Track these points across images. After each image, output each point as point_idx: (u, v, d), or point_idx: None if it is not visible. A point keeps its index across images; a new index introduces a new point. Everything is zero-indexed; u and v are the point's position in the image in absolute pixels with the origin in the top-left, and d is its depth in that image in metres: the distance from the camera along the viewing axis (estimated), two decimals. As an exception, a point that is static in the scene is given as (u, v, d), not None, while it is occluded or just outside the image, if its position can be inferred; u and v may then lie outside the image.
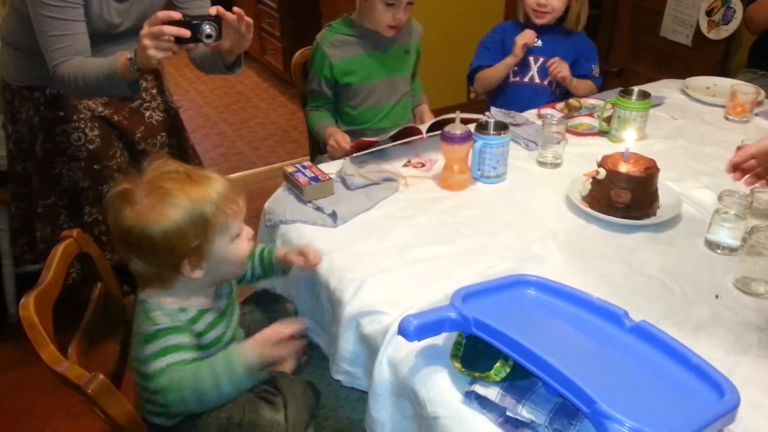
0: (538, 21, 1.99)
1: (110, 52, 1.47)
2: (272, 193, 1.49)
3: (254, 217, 1.48)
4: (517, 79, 2.06)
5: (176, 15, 1.29)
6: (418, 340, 0.93)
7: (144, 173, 0.99)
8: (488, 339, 0.88)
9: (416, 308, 1.04)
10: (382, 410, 1.02)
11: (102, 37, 1.54)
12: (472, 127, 1.44)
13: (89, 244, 1.12)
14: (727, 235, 1.20)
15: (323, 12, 3.49)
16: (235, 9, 1.33)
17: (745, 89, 1.80)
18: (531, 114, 1.83)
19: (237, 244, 1.04)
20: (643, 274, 1.16)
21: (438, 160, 1.54)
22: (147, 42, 1.29)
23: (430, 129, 1.56)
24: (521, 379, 0.87)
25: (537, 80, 2.04)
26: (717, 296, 1.10)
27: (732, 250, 1.21)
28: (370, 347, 1.09)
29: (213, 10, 1.33)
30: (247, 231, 1.07)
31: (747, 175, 1.19)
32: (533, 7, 1.98)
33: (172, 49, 1.31)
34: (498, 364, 0.87)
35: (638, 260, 1.19)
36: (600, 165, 1.31)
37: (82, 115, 1.65)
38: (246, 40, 1.44)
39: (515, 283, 1.04)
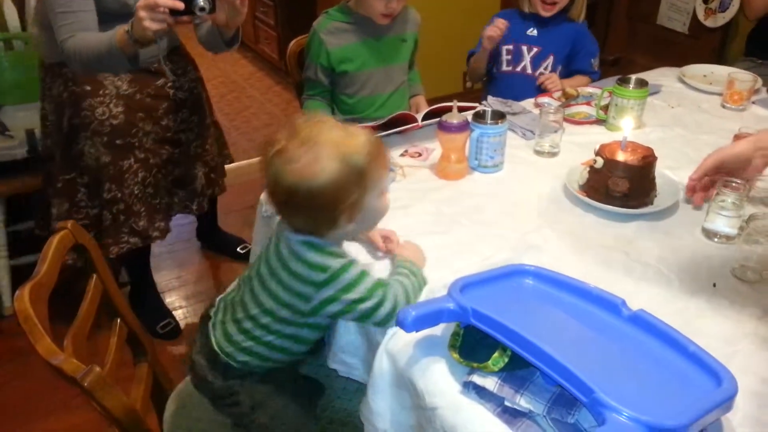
0: (546, 14, 1.97)
1: None
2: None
3: (250, 207, 1.48)
4: (510, 68, 2.05)
5: None
6: (417, 331, 0.93)
7: (296, 128, 0.98)
8: (486, 329, 0.87)
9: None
10: (381, 401, 1.01)
11: (114, 16, 1.58)
12: (468, 116, 1.43)
13: (84, 235, 1.11)
14: (724, 223, 1.20)
15: (318, 0, 3.46)
16: None
17: (742, 77, 1.79)
18: (528, 103, 1.83)
19: (383, 200, 1.05)
20: (641, 262, 1.16)
21: (435, 149, 1.53)
22: (142, 14, 1.33)
23: (426, 117, 1.56)
24: (519, 369, 0.87)
25: (529, 71, 2.02)
26: (714, 285, 1.10)
27: (729, 238, 1.20)
28: (368, 338, 1.09)
29: None
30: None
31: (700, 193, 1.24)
32: None
33: (166, 21, 1.36)
34: (496, 354, 0.87)
35: (636, 249, 1.19)
36: (597, 154, 1.30)
37: (107, 91, 1.72)
38: (240, 14, 1.51)
39: (513, 273, 1.04)
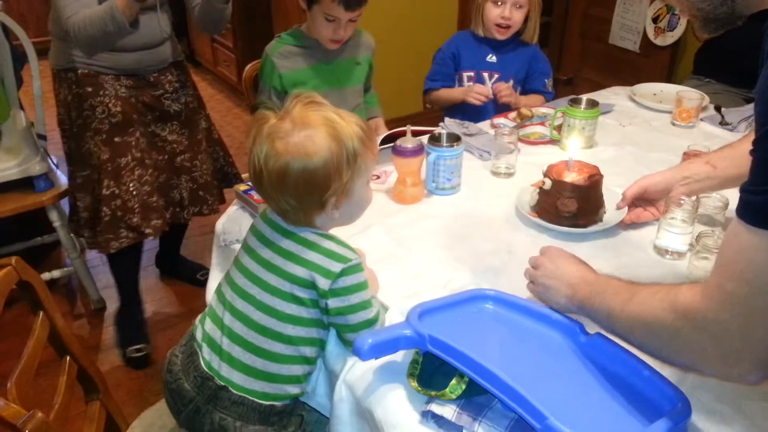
0: (501, 37, 1.98)
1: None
2: (226, 209, 1.47)
3: (210, 233, 1.45)
4: None
5: None
6: (375, 359, 0.92)
7: (286, 109, 0.97)
8: (442, 356, 0.87)
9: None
10: (343, 431, 1.00)
11: None
12: (424, 139, 1.44)
13: (29, 271, 1.07)
14: (675, 240, 1.22)
15: (275, 24, 3.47)
16: None
17: (690, 95, 1.85)
18: (484, 124, 1.84)
19: (368, 191, 1.05)
20: (596, 282, 1.16)
21: (393, 172, 1.53)
22: None
23: (384, 141, 1.56)
24: (477, 396, 0.87)
25: (492, 96, 2.03)
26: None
27: (680, 254, 1.23)
28: (327, 365, 1.07)
29: None
30: None
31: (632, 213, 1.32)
32: (496, 21, 1.95)
33: None
34: (453, 381, 0.86)
35: (591, 269, 1.20)
36: (545, 175, 1.32)
37: (107, 92, 1.81)
38: None
39: (473, 298, 1.04)
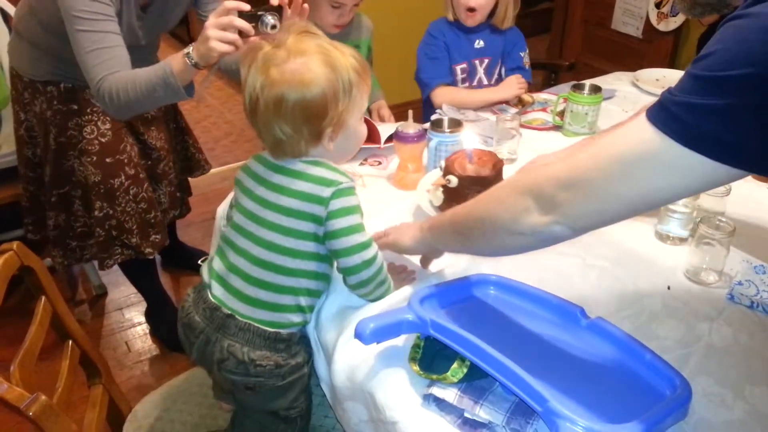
0: (469, 23, 1.90)
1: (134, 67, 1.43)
2: (227, 194, 1.46)
3: (211, 219, 1.45)
4: (466, 85, 2.00)
5: (244, 6, 1.26)
6: (377, 343, 0.92)
7: (282, 38, 0.98)
8: (444, 340, 0.87)
9: (375, 310, 1.03)
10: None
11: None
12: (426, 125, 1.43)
13: (30, 256, 1.07)
14: (676, 225, 1.22)
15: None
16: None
17: (692, 81, 1.83)
18: (484, 110, 1.83)
19: (362, 126, 1.06)
20: (596, 267, 1.17)
21: (395, 158, 1.52)
22: (212, 33, 1.25)
23: (389, 139, 1.54)
24: (479, 379, 0.87)
25: (485, 82, 1.98)
26: (669, 287, 1.12)
27: (682, 240, 1.23)
28: (327, 351, 1.07)
29: (274, 1, 1.31)
30: None
31: None
32: (466, 5, 1.85)
33: (235, 43, 1.27)
34: (455, 365, 0.86)
35: (592, 254, 1.20)
36: (447, 171, 1.25)
37: (95, 108, 1.67)
38: None
39: (475, 283, 1.04)
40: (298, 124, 0.97)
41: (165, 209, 1.96)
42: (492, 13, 1.92)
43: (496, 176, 1.25)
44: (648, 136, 0.68)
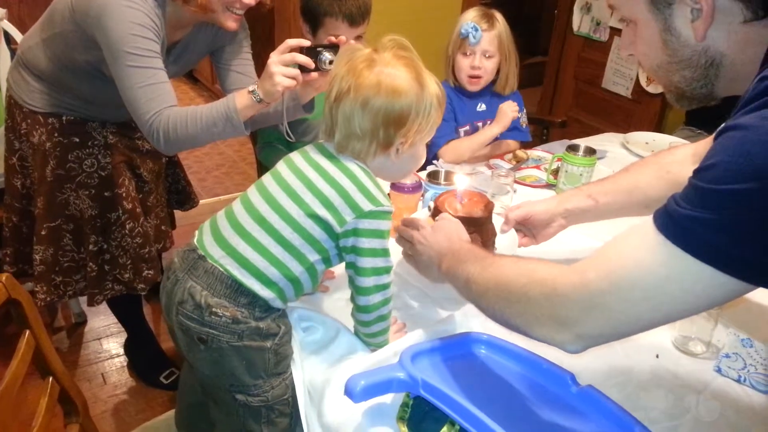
0: (472, 88, 1.95)
1: None
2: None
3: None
4: None
5: (305, 42, 1.32)
6: (365, 400, 0.91)
7: (378, 50, 1.02)
8: (435, 402, 0.86)
9: (365, 365, 1.02)
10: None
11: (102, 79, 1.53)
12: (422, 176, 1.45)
13: (18, 289, 1.05)
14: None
15: (277, 42, 3.48)
16: (341, 38, 1.39)
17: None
18: (479, 163, 1.86)
19: (423, 151, 1.10)
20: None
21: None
22: (276, 69, 1.30)
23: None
24: (468, 444, 0.86)
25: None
26: (657, 356, 1.13)
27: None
28: (313, 402, 1.06)
29: (332, 39, 1.40)
30: None
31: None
32: (468, 73, 1.92)
33: (296, 78, 1.32)
34: (445, 429, 0.85)
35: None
36: (438, 210, 1.24)
37: (96, 141, 1.67)
38: None
39: (466, 342, 1.04)
40: (377, 125, 1.00)
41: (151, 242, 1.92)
42: (494, 81, 1.98)
43: (488, 218, 1.25)
44: (660, 250, 0.69)
